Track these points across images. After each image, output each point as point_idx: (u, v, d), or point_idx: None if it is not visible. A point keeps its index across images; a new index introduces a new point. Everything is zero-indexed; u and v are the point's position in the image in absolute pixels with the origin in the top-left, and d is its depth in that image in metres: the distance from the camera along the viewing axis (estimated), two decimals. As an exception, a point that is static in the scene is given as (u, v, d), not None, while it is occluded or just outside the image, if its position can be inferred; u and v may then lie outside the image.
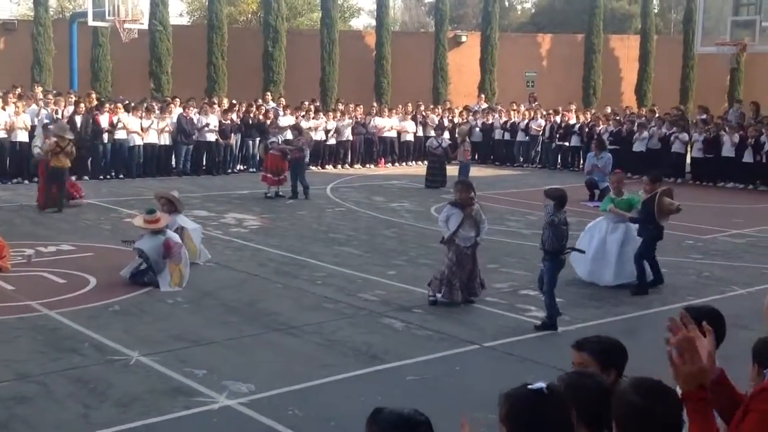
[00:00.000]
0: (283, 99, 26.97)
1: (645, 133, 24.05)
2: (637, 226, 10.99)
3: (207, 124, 22.28)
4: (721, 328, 4.09)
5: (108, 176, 21.16)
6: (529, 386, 2.76)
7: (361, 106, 26.24)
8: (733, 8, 25.11)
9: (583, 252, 10.44)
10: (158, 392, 7.00)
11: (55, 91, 23.02)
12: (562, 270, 9.33)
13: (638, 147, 24.05)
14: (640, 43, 35.68)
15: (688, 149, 23.95)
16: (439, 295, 9.82)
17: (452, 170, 20.99)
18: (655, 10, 43.43)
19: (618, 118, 25.86)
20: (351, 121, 25.03)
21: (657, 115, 25.86)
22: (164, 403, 6.76)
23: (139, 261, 10.51)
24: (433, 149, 21.34)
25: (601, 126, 25.07)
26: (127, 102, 22.61)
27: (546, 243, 9.17)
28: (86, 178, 20.78)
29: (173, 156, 22.27)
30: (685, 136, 23.54)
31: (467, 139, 22.09)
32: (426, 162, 22.41)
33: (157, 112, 21.95)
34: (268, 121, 22.73)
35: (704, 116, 25.11)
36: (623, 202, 11.22)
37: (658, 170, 12.76)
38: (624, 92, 36.25)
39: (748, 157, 22.18)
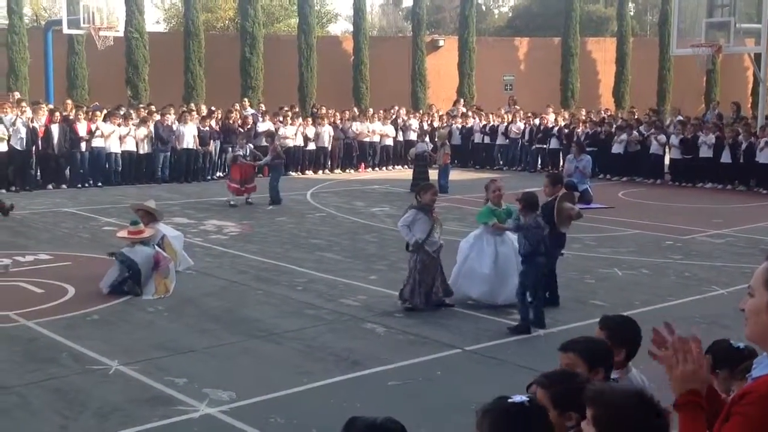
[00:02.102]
0: (262, 105, 26.92)
1: (623, 136, 24.17)
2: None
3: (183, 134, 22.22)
4: (638, 335, 4.12)
5: (86, 184, 20.98)
6: (510, 399, 2.72)
7: (347, 112, 26.25)
8: (707, 10, 25.30)
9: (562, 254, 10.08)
10: (138, 402, 6.92)
11: (19, 99, 22.61)
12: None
13: (617, 149, 24.19)
14: (617, 46, 35.89)
15: (666, 150, 24.08)
16: (409, 303, 9.76)
17: (432, 174, 21.04)
18: (631, 13, 43.75)
19: (595, 119, 26.02)
20: (329, 126, 24.98)
21: (635, 116, 26.03)
22: (144, 412, 6.69)
23: (119, 274, 10.40)
24: (423, 153, 21.25)
25: (580, 128, 25.20)
26: (107, 110, 22.45)
27: (521, 247, 9.18)
28: (64, 186, 20.64)
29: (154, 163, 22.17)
30: (662, 138, 23.69)
31: (447, 143, 22.11)
32: (411, 166, 22.00)
33: (136, 119, 21.83)
34: (240, 130, 22.65)
35: (680, 117, 25.29)
36: (503, 212, 10.11)
37: (558, 172, 12.27)
38: (602, 94, 36.47)
39: (726, 158, 22.33)
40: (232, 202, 18.23)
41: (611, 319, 4.21)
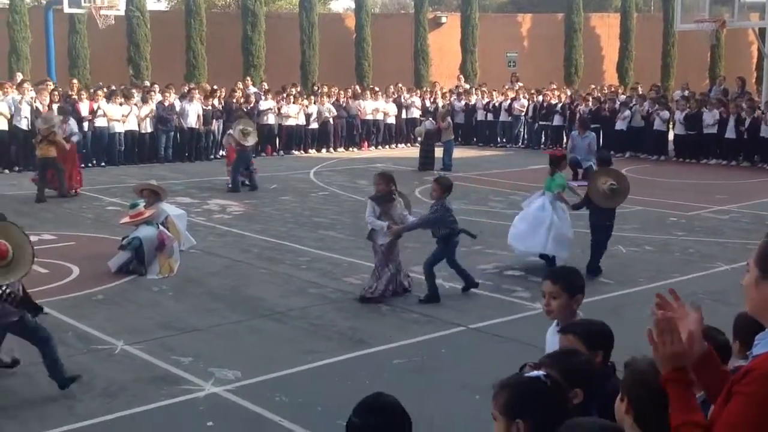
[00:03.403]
0: (265, 83, 26.82)
1: (627, 112, 24.07)
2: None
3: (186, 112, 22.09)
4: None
5: (89, 164, 20.95)
6: (528, 374, 2.74)
7: (349, 90, 26.13)
8: (711, -15, 25.14)
9: (474, 237, 10.05)
10: (144, 381, 6.96)
11: (22, 80, 22.49)
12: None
13: (620, 125, 24.10)
14: (621, 21, 35.63)
15: (670, 126, 23.99)
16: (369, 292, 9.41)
17: (437, 152, 21.01)
18: (635, -12, 43.41)
19: (597, 96, 25.88)
20: (329, 104, 24.87)
21: (639, 92, 25.89)
22: (150, 391, 6.72)
23: (130, 256, 10.43)
24: (430, 131, 21.11)
25: (583, 105, 25.09)
26: (113, 88, 22.39)
27: (435, 232, 9.47)
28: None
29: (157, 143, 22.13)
30: (665, 114, 23.58)
31: (448, 119, 22.07)
32: (418, 145, 21.79)
33: (138, 99, 21.74)
34: (243, 109, 22.48)
35: (685, 92, 25.17)
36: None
37: (607, 154, 12.76)
38: (606, 70, 36.25)
39: (730, 133, 22.24)
40: (230, 185, 17.93)
41: (576, 324, 3.99)
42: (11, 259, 6.35)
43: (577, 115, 23.43)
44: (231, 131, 18.06)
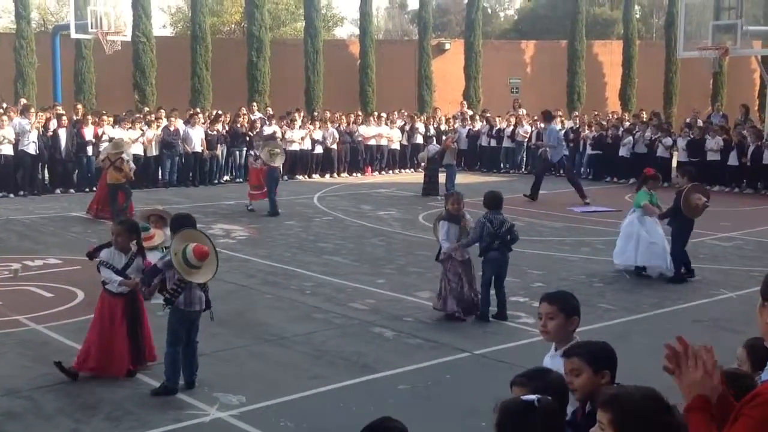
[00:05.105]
0: (269, 109, 26.95)
1: (629, 138, 24.15)
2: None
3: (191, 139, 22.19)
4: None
5: (94, 188, 20.97)
6: (522, 397, 2.83)
7: (352, 115, 26.25)
8: (714, 12, 25.22)
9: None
10: (149, 406, 6.95)
11: (26, 105, 22.64)
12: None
13: (623, 152, 24.17)
14: (623, 49, 35.86)
15: (674, 153, 24.05)
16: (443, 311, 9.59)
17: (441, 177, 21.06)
18: (637, 16, 43.71)
19: (601, 122, 25.98)
20: (333, 129, 24.98)
21: (643, 119, 25.99)
22: (155, 416, 6.72)
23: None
24: (434, 156, 21.14)
25: (586, 131, 25.19)
26: (122, 115, 22.53)
27: (480, 246, 9.58)
28: (72, 191, 20.69)
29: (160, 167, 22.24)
30: (668, 141, 23.65)
31: (453, 145, 22.14)
32: (423, 170, 21.80)
33: (144, 125, 21.85)
34: (250, 134, 22.65)
35: (688, 120, 25.25)
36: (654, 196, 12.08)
37: (690, 167, 13.60)
38: (608, 97, 36.44)
39: (733, 160, 22.29)
40: (250, 207, 18.04)
41: (578, 346, 4.00)
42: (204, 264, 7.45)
43: (580, 139, 23.59)
44: (259, 153, 18.05)
